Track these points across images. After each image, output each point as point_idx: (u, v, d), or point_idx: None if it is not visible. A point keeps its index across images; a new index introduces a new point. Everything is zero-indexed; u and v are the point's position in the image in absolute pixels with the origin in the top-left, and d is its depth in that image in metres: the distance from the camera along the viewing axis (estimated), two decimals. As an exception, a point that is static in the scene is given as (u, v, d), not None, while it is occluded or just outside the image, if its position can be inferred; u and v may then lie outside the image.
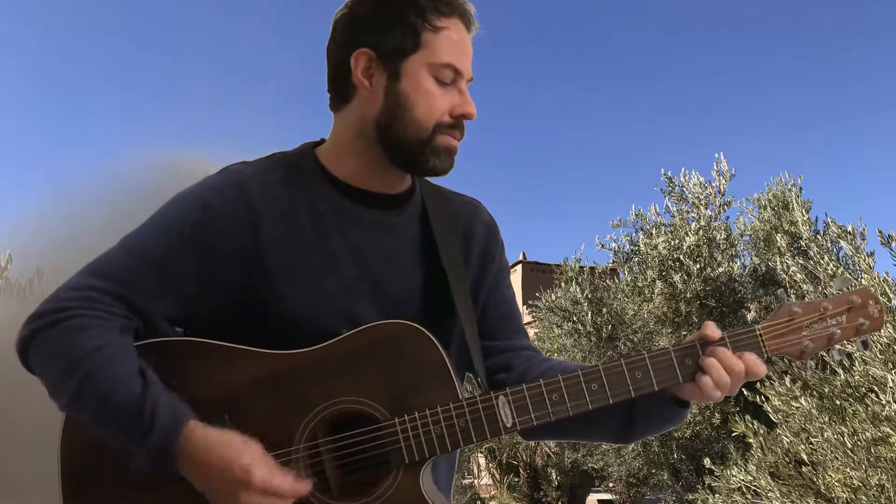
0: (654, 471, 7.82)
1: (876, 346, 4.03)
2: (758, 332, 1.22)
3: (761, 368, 1.19)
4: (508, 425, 1.17)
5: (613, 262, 8.48)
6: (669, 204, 7.87)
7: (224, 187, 1.24)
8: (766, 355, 1.22)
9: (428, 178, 1.38)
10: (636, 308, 7.76)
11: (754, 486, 4.65)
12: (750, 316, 7.35)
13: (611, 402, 1.18)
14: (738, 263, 7.55)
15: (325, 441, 1.17)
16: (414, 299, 1.28)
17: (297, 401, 1.16)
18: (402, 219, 1.32)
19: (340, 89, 1.29)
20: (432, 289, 1.30)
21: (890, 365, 3.95)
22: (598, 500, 12.54)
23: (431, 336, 1.19)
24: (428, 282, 1.30)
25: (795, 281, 4.98)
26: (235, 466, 1.07)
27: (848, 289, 1.27)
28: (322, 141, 1.35)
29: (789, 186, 7.16)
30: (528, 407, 1.18)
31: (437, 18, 1.24)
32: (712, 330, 1.21)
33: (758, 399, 4.69)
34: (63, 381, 1.12)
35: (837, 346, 1.26)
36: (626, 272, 8.16)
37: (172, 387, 1.14)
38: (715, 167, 7.74)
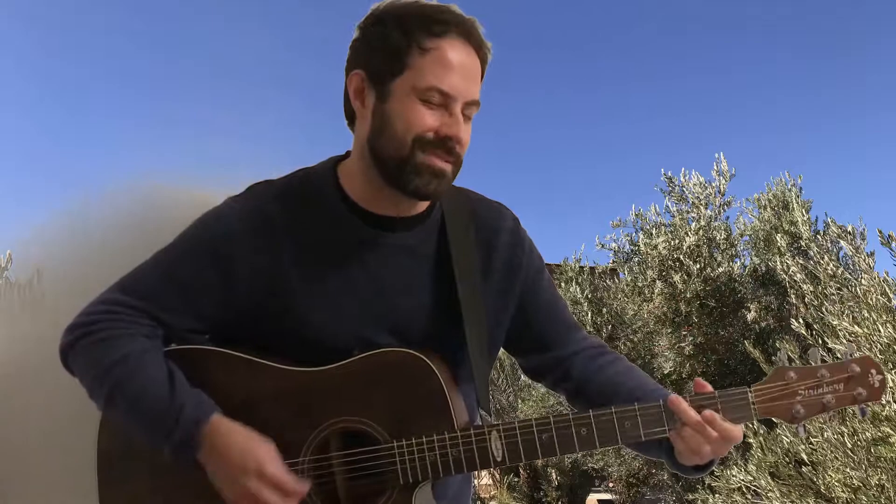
0: (654, 471, 7.82)
1: (876, 346, 4.03)
2: (749, 395, 1.24)
3: (737, 434, 1.21)
4: (498, 460, 1.23)
5: (613, 262, 8.46)
6: (669, 204, 7.85)
7: (246, 213, 1.28)
8: (755, 416, 1.25)
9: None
10: (636, 308, 7.75)
11: (754, 486, 4.65)
12: (750, 316, 7.34)
13: (598, 447, 1.23)
14: (738, 263, 7.53)
15: (328, 456, 1.25)
16: (423, 319, 1.31)
17: (306, 416, 1.24)
18: (416, 240, 1.32)
19: (347, 110, 1.32)
20: (444, 307, 1.31)
21: (890, 365, 3.95)
22: (598, 500, 12.52)
23: (433, 366, 1.24)
24: (440, 300, 1.31)
25: (795, 281, 4.98)
26: (251, 458, 1.16)
27: (851, 356, 1.27)
28: (347, 154, 1.35)
29: (789, 186, 7.15)
30: (518, 445, 1.22)
31: (427, 39, 1.20)
32: (701, 386, 1.25)
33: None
34: (96, 387, 1.24)
35: (804, 423, 1.26)
36: (626, 272, 8.15)
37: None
38: (715, 167, 7.71)
